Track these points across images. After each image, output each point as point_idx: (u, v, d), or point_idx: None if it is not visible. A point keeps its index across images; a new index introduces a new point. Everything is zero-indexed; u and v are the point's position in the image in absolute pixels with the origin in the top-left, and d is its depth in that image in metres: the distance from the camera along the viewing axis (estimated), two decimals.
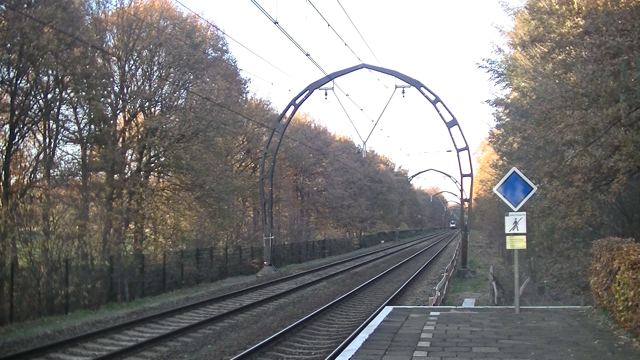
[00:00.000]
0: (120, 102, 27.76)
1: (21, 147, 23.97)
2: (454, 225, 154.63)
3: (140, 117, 29.08)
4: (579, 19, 14.43)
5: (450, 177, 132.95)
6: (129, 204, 27.06)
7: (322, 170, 57.63)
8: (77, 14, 24.14)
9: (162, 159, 29.50)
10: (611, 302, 9.13)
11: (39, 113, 23.79)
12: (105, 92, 26.93)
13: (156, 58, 28.67)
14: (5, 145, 22.26)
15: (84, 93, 25.18)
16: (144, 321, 15.17)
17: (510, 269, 27.70)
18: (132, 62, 28.07)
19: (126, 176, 27.88)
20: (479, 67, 25.70)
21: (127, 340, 13.10)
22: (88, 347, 12.51)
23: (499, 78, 26.97)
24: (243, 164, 42.92)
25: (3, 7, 20.69)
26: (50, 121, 24.38)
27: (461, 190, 34.68)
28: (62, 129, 25.89)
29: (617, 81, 11.84)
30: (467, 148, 31.25)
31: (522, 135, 18.13)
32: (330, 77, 30.25)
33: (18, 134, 22.90)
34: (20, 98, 22.56)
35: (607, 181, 13.06)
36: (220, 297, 19.88)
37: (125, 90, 27.98)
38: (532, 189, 10.78)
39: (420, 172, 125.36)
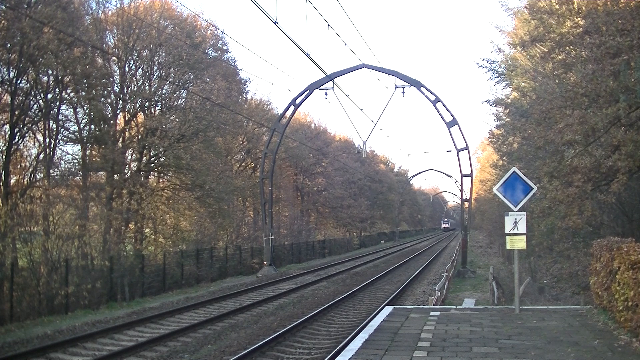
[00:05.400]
0: (120, 102, 27.76)
1: (21, 147, 24.00)
2: (447, 225, 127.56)
3: (140, 117, 29.08)
4: (579, 18, 14.44)
5: (450, 177, 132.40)
6: (129, 204, 27.05)
7: (322, 170, 57.61)
8: (77, 14, 24.16)
9: (162, 159, 29.51)
10: (611, 302, 9.13)
11: (39, 113, 23.79)
12: (105, 92, 26.93)
13: (156, 58, 28.68)
14: (5, 145, 22.28)
15: (84, 93, 25.18)
16: (144, 321, 15.17)
17: (510, 269, 27.69)
18: (132, 62, 28.07)
19: (126, 176, 27.88)
20: (479, 67, 25.69)
21: (127, 340, 13.10)
22: (88, 347, 12.51)
23: (499, 78, 26.95)
24: (243, 164, 42.93)
25: (3, 7, 20.69)
26: (50, 121, 24.38)
27: (461, 190, 34.72)
28: (62, 129, 25.92)
29: (617, 81, 11.85)
30: (467, 148, 31.28)
31: (522, 135, 18.12)
32: (330, 77, 30.24)
33: (18, 134, 22.90)
34: (20, 98, 22.56)
35: (607, 181, 13.05)
36: (220, 297, 19.88)
37: (125, 90, 27.97)
38: (532, 189, 10.78)
39: (420, 172, 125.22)
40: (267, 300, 19.18)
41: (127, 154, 28.74)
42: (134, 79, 28.46)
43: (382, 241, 72.52)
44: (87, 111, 26.34)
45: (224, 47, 35.44)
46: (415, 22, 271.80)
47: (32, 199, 22.86)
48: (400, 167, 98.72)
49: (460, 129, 31.03)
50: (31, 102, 23.42)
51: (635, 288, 7.62)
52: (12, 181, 23.25)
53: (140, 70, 28.58)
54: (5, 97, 22.06)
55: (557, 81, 16.33)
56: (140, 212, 26.99)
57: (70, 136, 26.57)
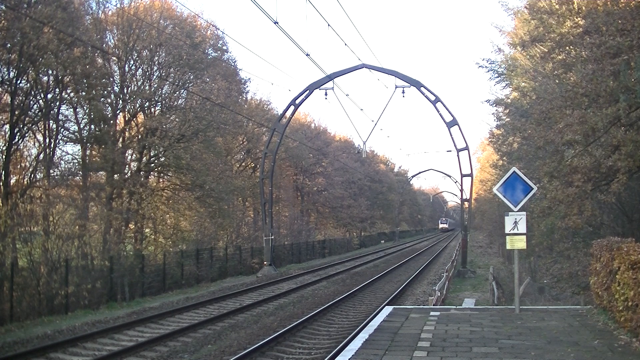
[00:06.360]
0: (120, 102, 27.75)
1: (21, 147, 23.98)
2: (445, 225, 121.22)
3: (140, 117, 29.08)
4: (579, 18, 14.44)
5: (450, 177, 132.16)
6: (129, 204, 27.05)
7: (322, 170, 57.60)
8: (77, 14, 24.13)
9: (162, 159, 29.50)
10: (611, 302, 9.13)
11: (39, 113, 23.78)
12: (105, 92, 26.92)
13: (156, 58, 28.67)
14: (5, 145, 22.27)
15: (84, 93, 25.17)
16: (144, 321, 15.17)
17: (510, 269, 27.68)
18: (132, 62, 28.07)
19: (126, 176, 27.88)
20: (479, 67, 25.71)
21: (127, 340, 13.10)
22: (88, 347, 12.51)
23: (499, 78, 26.96)
24: (243, 164, 42.92)
25: (3, 7, 20.69)
26: (50, 121, 24.37)
27: (461, 190, 34.72)
28: (62, 129, 25.91)
29: (617, 81, 11.85)
30: (467, 148, 31.28)
31: (522, 135, 18.14)
32: (330, 77, 30.24)
33: (18, 134, 22.89)
34: (20, 98, 22.55)
35: (607, 181, 13.06)
36: (220, 297, 19.88)
37: (125, 90, 27.97)
38: (532, 189, 10.78)
39: (420, 172, 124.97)
40: (267, 300, 19.18)
41: (127, 154, 28.74)
42: (134, 79, 28.46)
43: (382, 241, 72.52)
44: (87, 111, 26.34)
45: (224, 47, 35.44)
46: (415, 22, 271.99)
47: (32, 199, 22.84)
48: (400, 167, 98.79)
49: (460, 129, 31.07)
50: (31, 102, 23.41)
51: (635, 288, 7.62)
52: (12, 181, 23.24)
53: (140, 70, 28.60)
54: (5, 97, 22.06)
55: (557, 81, 16.33)
56: (140, 212, 26.99)
57: (70, 136, 26.60)
